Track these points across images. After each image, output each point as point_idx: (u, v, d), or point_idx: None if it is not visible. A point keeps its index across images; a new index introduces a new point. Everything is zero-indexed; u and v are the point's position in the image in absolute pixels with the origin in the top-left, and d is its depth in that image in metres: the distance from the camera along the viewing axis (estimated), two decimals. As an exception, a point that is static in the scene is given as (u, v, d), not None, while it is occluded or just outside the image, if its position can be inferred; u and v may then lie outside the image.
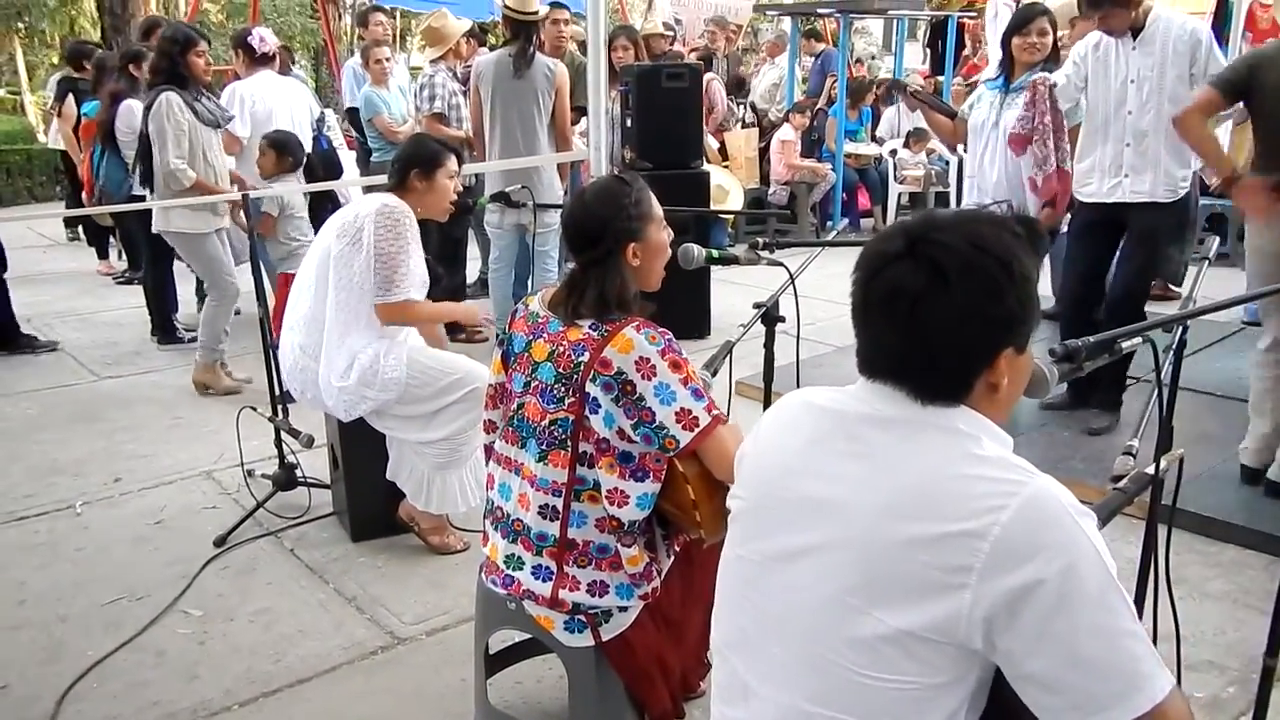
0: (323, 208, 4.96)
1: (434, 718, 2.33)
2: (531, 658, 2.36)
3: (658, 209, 1.97)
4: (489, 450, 2.07)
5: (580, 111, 5.50)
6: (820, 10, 9.86)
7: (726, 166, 7.95)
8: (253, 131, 5.12)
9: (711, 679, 1.39)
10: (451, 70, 5.54)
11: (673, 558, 2.00)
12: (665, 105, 5.30)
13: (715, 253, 2.36)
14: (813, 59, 9.72)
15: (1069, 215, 4.06)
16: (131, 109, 5.16)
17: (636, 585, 1.88)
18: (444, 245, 5.32)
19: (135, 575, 2.97)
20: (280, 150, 4.68)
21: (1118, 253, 3.81)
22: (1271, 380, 3.25)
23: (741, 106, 9.13)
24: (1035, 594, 1.05)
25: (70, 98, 7.27)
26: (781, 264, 2.31)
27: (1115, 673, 1.05)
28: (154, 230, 4.60)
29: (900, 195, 9.15)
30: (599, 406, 1.80)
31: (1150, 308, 3.79)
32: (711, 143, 7.65)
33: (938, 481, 1.12)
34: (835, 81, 8.84)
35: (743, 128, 8.77)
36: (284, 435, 3.35)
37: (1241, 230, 3.90)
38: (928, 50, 10.99)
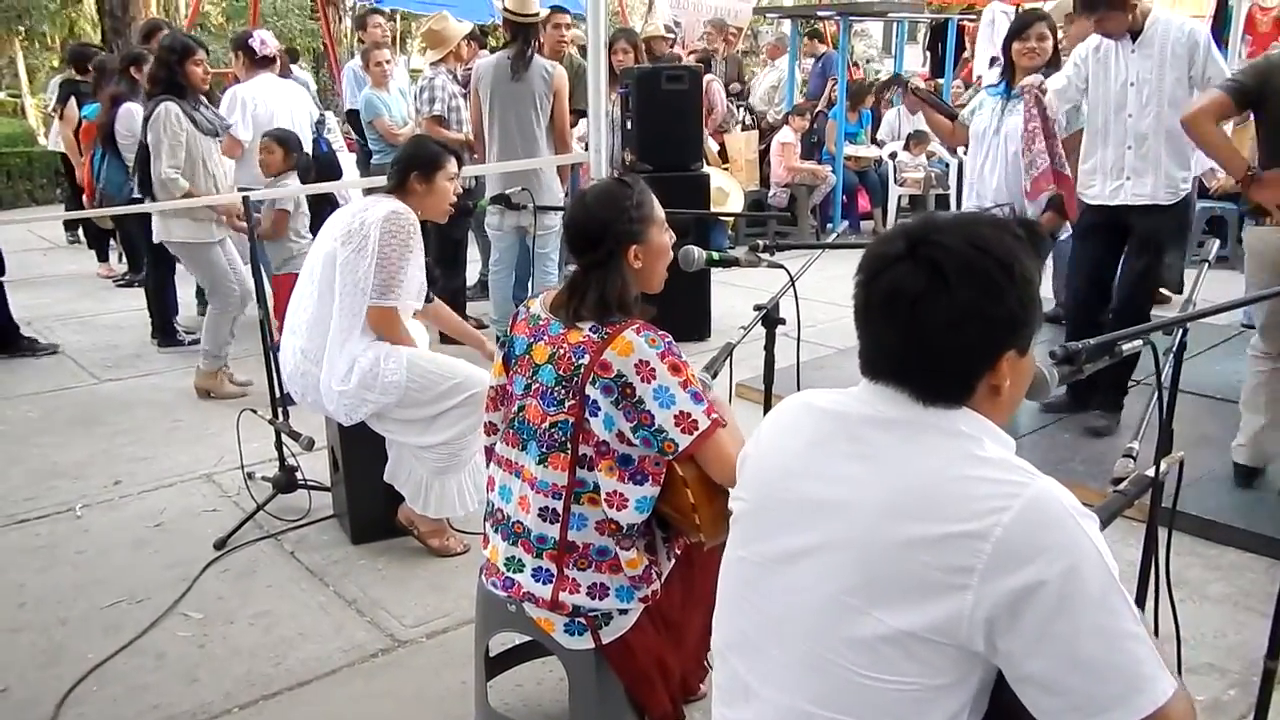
0: (321, 210, 4.96)
1: (434, 720, 2.33)
2: (531, 660, 2.35)
3: (659, 211, 1.97)
4: (490, 452, 2.07)
5: (580, 114, 5.51)
6: (820, 13, 9.88)
7: (726, 169, 7.95)
8: (253, 134, 5.13)
9: (712, 681, 1.39)
10: (452, 73, 5.54)
11: (673, 560, 2.00)
12: (665, 108, 5.30)
13: (716, 255, 2.37)
14: (813, 60, 9.72)
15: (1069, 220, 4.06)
16: (131, 112, 5.17)
17: (636, 588, 1.88)
18: (444, 247, 5.32)
19: (135, 578, 2.97)
20: (286, 147, 4.70)
21: (1122, 255, 3.82)
22: (1264, 375, 3.25)
23: (741, 109, 9.14)
24: (1037, 595, 1.05)
25: (72, 100, 7.27)
26: (782, 266, 2.31)
27: (1116, 674, 1.05)
28: (155, 240, 4.61)
29: (900, 198, 9.16)
30: (599, 409, 1.80)
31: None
32: (711, 145, 7.65)
33: (939, 483, 1.12)
34: (835, 85, 8.85)
35: (742, 130, 8.78)
36: (284, 438, 3.35)
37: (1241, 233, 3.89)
38: (927, 53, 11.02)
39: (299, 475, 3.41)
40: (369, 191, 3.73)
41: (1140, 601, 1.77)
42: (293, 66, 9.23)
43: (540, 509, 1.88)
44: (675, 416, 1.78)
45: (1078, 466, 3.53)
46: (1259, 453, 3.30)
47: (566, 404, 1.84)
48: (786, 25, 10.10)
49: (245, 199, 3.62)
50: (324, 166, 5.50)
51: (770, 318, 2.31)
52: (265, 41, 5.28)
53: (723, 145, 8.32)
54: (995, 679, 1.16)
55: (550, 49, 5.62)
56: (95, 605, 2.82)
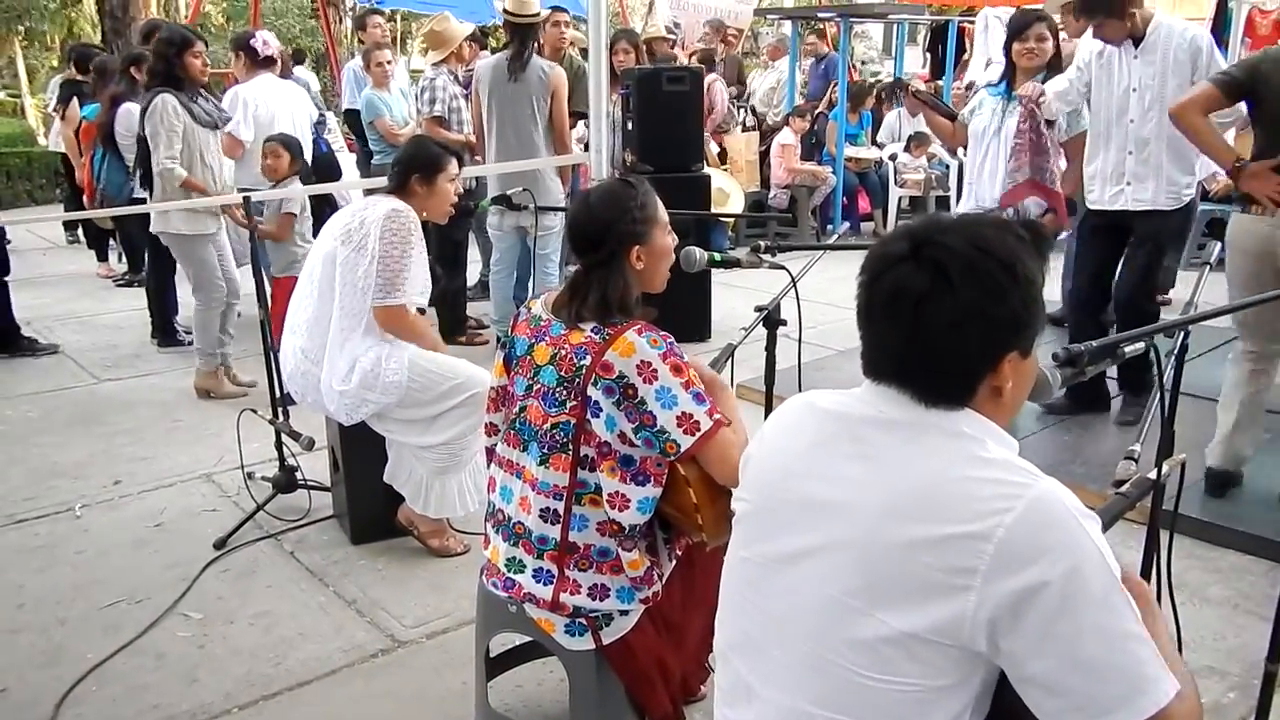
0: (320, 211, 4.96)
1: (434, 721, 2.33)
2: (532, 661, 2.35)
3: (663, 212, 1.97)
4: (491, 453, 2.06)
5: (580, 116, 5.51)
6: (821, 14, 9.88)
7: (726, 170, 7.96)
8: (255, 135, 5.13)
9: (714, 681, 1.39)
10: (453, 74, 5.55)
11: (674, 561, 2.00)
12: (666, 108, 5.30)
13: (717, 256, 2.37)
14: (815, 61, 9.71)
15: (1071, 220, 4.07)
16: (130, 112, 5.17)
17: (637, 589, 1.88)
18: (445, 248, 5.33)
19: (135, 578, 2.97)
20: (292, 152, 4.71)
21: (1122, 258, 3.82)
22: (1242, 375, 3.22)
23: (742, 110, 9.14)
24: (1039, 596, 1.05)
25: (74, 101, 7.27)
26: (783, 267, 2.31)
27: (1118, 675, 1.05)
28: (151, 230, 4.61)
29: (900, 199, 9.17)
30: (600, 410, 1.80)
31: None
32: (711, 146, 7.66)
33: (942, 483, 1.12)
34: (836, 86, 8.86)
35: (743, 131, 8.78)
36: (284, 438, 3.35)
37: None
38: (928, 54, 11.02)
39: (299, 475, 3.41)
40: (369, 192, 3.73)
41: (1141, 603, 1.77)
42: (298, 67, 9.26)
43: (541, 510, 1.88)
44: (677, 417, 1.78)
45: (1077, 468, 3.53)
46: (1231, 455, 3.25)
47: (568, 405, 1.84)
48: (787, 26, 10.11)
49: (246, 199, 3.62)
50: (323, 167, 5.50)
51: (771, 319, 2.31)
52: (267, 42, 5.29)
53: (723, 146, 8.33)
54: (997, 680, 1.16)
55: (550, 48, 5.63)
56: (95, 605, 2.82)
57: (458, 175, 3.03)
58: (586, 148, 4.91)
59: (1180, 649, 1.82)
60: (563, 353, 1.86)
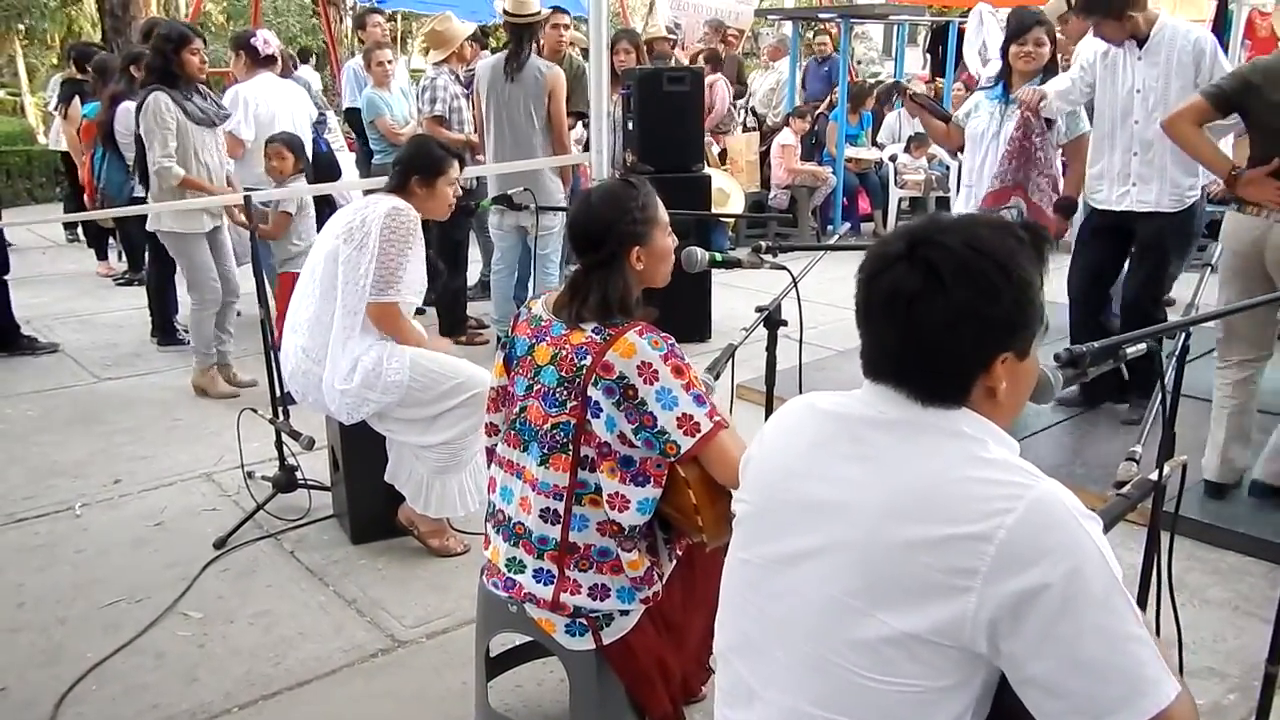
0: (320, 211, 4.96)
1: (434, 721, 2.33)
2: (532, 661, 2.35)
3: (663, 213, 1.97)
4: (491, 453, 2.06)
5: (581, 116, 5.51)
6: (821, 15, 9.88)
7: (726, 170, 7.95)
8: (256, 134, 5.13)
9: (715, 682, 1.39)
10: (454, 73, 5.55)
11: (674, 561, 2.00)
12: (666, 109, 5.30)
13: (718, 256, 2.37)
14: (817, 62, 9.69)
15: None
16: (130, 110, 5.16)
17: (638, 589, 1.88)
18: (445, 248, 5.33)
19: (135, 577, 2.97)
20: (296, 152, 4.70)
21: (1128, 261, 3.82)
22: (1230, 386, 3.22)
23: (744, 111, 9.14)
24: (1040, 597, 1.05)
25: (76, 99, 7.27)
26: (785, 268, 2.31)
27: (1119, 677, 1.05)
28: (148, 228, 4.61)
29: (901, 200, 9.16)
30: (600, 410, 1.80)
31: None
32: (712, 146, 7.66)
33: (942, 484, 1.12)
34: (836, 86, 8.86)
35: (743, 131, 8.78)
36: (284, 437, 3.35)
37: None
38: (928, 55, 11.02)
39: (299, 475, 3.41)
40: (369, 191, 3.73)
41: (1142, 605, 1.77)
42: (303, 66, 9.26)
43: (541, 510, 1.88)
44: (678, 418, 1.78)
45: (1078, 469, 3.53)
46: (1227, 469, 3.25)
47: (568, 405, 1.84)
48: (787, 27, 10.11)
49: (247, 199, 3.62)
50: (323, 167, 5.50)
51: (772, 319, 2.31)
52: (268, 41, 5.28)
53: (723, 147, 8.33)
54: (998, 681, 1.16)
55: (550, 49, 5.63)
56: (94, 604, 2.82)
57: (458, 177, 3.03)
58: (586, 147, 4.91)
59: (1181, 650, 1.82)
60: (563, 353, 1.86)
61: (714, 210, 6.16)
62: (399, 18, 19.28)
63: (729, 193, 7.15)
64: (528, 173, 4.75)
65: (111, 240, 7.71)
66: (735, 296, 5.63)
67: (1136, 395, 3.96)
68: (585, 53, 5.50)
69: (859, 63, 15.66)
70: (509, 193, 3.84)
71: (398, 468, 3.02)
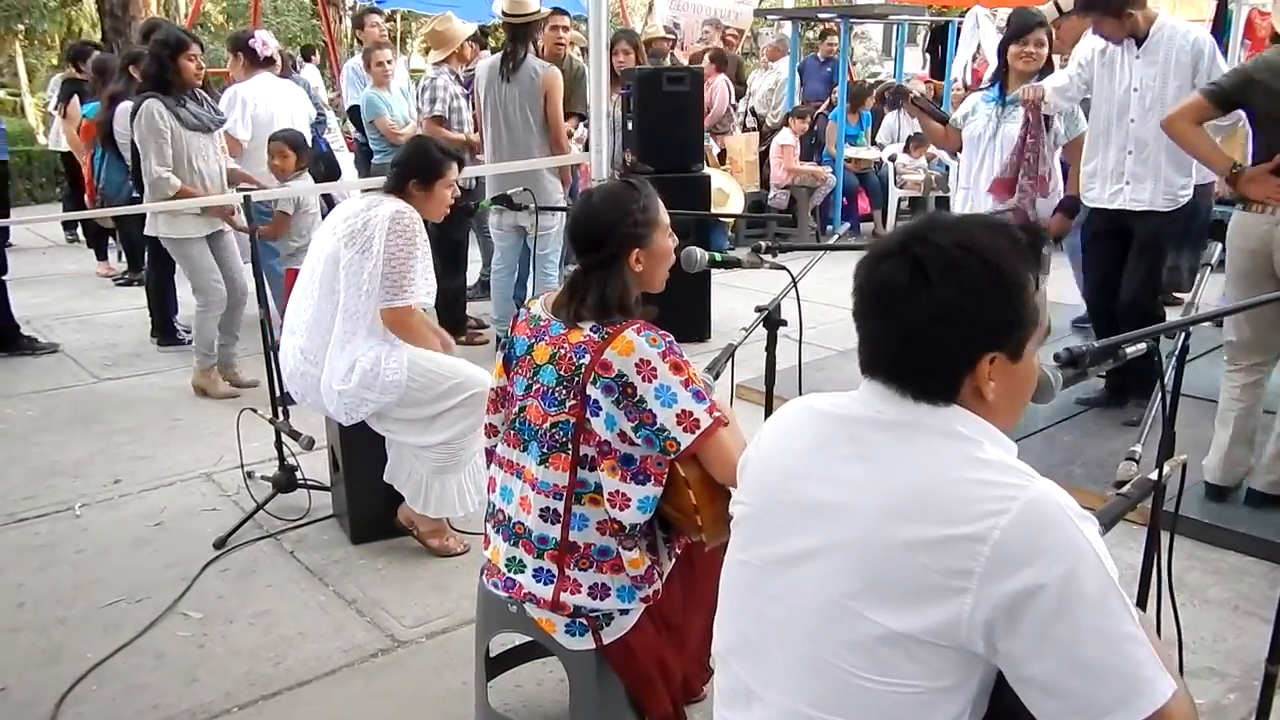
0: (321, 211, 4.97)
1: (434, 721, 2.33)
2: (532, 661, 2.36)
3: (664, 215, 1.97)
4: (491, 454, 2.06)
5: (580, 118, 5.51)
6: (821, 15, 9.87)
7: (726, 170, 7.96)
8: (254, 134, 5.13)
9: (714, 683, 1.39)
10: (454, 73, 5.55)
11: (674, 560, 2.00)
12: (666, 109, 5.31)
13: (718, 256, 2.37)
14: (820, 63, 9.68)
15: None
16: (127, 111, 5.16)
17: (638, 588, 1.88)
18: (445, 248, 5.32)
19: (134, 577, 2.97)
20: (299, 150, 4.70)
21: (1126, 262, 3.83)
22: (1239, 389, 3.21)
23: (746, 113, 9.14)
24: (1036, 598, 1.05)
25: (75, 99, 7.27)
26: (784, 268, 2.31)
27: (1116, 677, 1.05)
28: (145, 233, 4.61)
29: (900, 200, 9.16)
30: (600, 409, 1.80)
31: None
32: (712, 146, 7.65)
33: (939, 484, 1.12)
34: (836, 86, 8.86)
35: (743, 131, 8.78)
36: (284, 437, 3.35)
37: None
38: (928, 55, 11.02)
39: (299, 475, 3.41)
40: (368, 191, 3.73)
41: (1142, 605, 1.77)
42: (307, 65, 9.25)
43: (541, 509, 1.88)
44: (677, 415, 1.78)
45: (1077, 469, 3.53)
46: (1228, 472, 3.24)
47: (567, 404, 1.84)
48: (787, 27, 10.11)
49: (246, 199, 3.62)
50: (323, 166, 5.50)
51: (771, 319, 2.31)
52: (266, 42, 5.28)
53: (723, 147, 8.33)
54: (995, 680, 1.16)
55: (548, 51, 5.63)
56: (94, 604, 2.82)
57: (457, 178, 3.02)
58: (586, 147, 4.91)
59: (1181, 650, 1.82)
60: (562, 352, 1.86)
61: (713, 210, 6.16)
62: (398, 18, 19.28)
63: (728, 193, 7.15)
64: (526, 173, 4.76)
65: (111, 240, 7.71)
66: (735, 296, 5.63)
67: (1135, 395, 3.96)
68: (584, 53, 5.50)
69: (855, 63, 15.64)
70: (508, 193, 3.85)
71: (397, 468, 3.02)
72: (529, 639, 2.16)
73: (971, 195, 4.06)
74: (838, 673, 1.15)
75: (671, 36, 8.04)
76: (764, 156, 8.78)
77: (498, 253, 5.26)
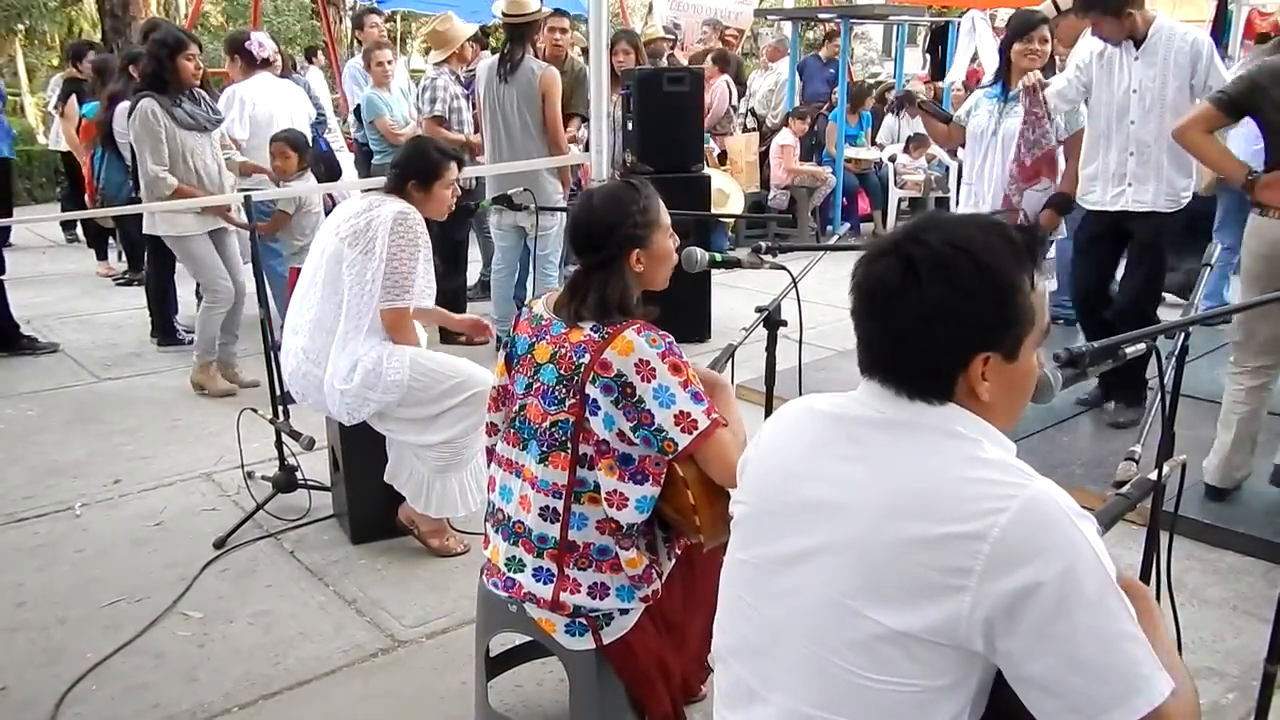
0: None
1: (434, 721, 2.33)
2: (532, 661, 2.36)
3: (665, 216, 1.98)
4: (491, 453, 2.07)
5: (580, 119, 5.51)
6: (821, 15, 9.87)
7: (726, 170, 7.96)
8: (252, 134, 5.13)
9: (714, 683, 1.39)
10: (455, 74, 5.55)
11: (674, 560, 2.00)
12: (666, 109, 5.31)
13: (718, 256, 2.37)
14: (822, 63, 9.69)
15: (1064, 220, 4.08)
16: (126, 111, 5.16)
17: (637, 587, 1.88)
18: (445, 248, 5.32)
19: (134, 577, 2.97)
20: (300, 150, 4.70)
21: (1124, 265, 3.83)
22: (1244, 392, 3.21)
23: (747, 114, 9.14)
24: (1034, 596, 1.05)
25: (73, 98, 7.27)
26: (784, 268, 2.31)
27: (1114, 675, 1.05)
28: (145, 232, 4.61)
29: (900, 200, 9.17)
30: (599, 408, 1.81)
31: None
32: (712, 146, 7.65)
33: (938, 484, 1.12)
34: (836, 87, 8.87)
35: (743, 132, 8.78)
36: (284, 437, 3.35)
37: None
38: (928, 56, 11.01)
39: (299, 475, 3.41)
40: (368, 192, 3.73)
41: (1141, 604, 1.76)
42: (309, 65, 9.25)
43: (541, 508, 1.88)
44: (675, 416, 1.78)
45: (1077, 469, 3.53)
46: (1228, 475, 3.24)
47: (567, 403, 1.84)
48: (787, 28, 10.11)
49: (247, 199, 3.62)
50: (324, 166, 5.50)
51: (772, 319, 2.31)
52: (262, 44, 5.28)
53: (723, 148, 8.33)
54: (994, 680, 1.16)
55: (547, 52, 5.63)
56: (94, 604, 2.82)
57: (457, 178, 3.02)
58: (586, 148, 4.91)
59: (1180, 650, 1.82)
60: (562, 351, 1.86)
61: (714, 211, 6.16)
62: (398, 18, 19.27)
63: (729, 193, 7.15)
64: (526, 173, 4.76)
65: (111, 240, 7.71)
66: (735, 297, 5.63)
67: (1123, 396, 3.95)
68: (585, 53, 5.50)
69: (855, 63, 15.65)
70: (509, 193, 3.85)
71: (398, 468, 3.02)
72: (529, 639, 2.16)
73: (975, 190, 4.07)
74: (838, 672, 1.15)
75: (671, 37, 8.04)
76: (764, 157, 8.79)
77: (498, 253, 5.26)
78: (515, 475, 1.95)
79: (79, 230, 8.48)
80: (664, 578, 1.95)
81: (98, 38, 13.47)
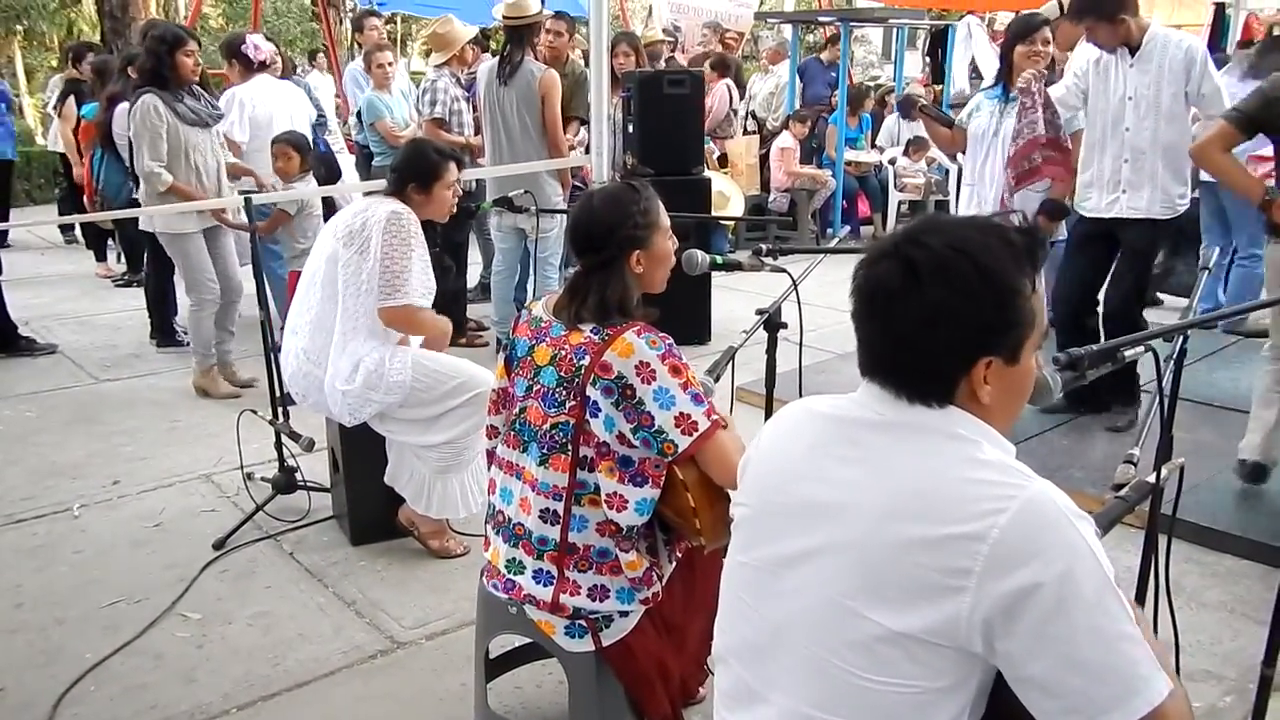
0: (322, 213, 4.97)
1: (433, 722, 2.33)
2: (531, 663, 2.36)
3: (665, 218, 1.98)
4: (491, 455, 2.07)
5: (581, 121, 5.51)
6: (821, 18, 9.88)
7: (726, 173, 7.97)
8: (252, 135, 5.13)
9: (714, 685, 1.39)
10: (455, 76, 5.56)
11: (674, 563, 2.01)
12: (666, 111, 5.32)
13: (719, 259, 2.37)
14: (823, 66, 9.70)
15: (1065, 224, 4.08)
16: (125, 112, 5.16)
17: (637, 590, 1.89)
18: (446, 249, 5.33)
19: (133, 578, 2.97)
20: (302, 152, 4.70)
21: (1112, 269, 3.84)
22: (1276, 374, 3.24)
23: (748, 117, 9.14)
24: (1033, 597, 1.06)
25: (71, 99, 7.27)
26: (785, 270, 2.32)
27: (1113, 676, 1.06)
28: (141, 228, 4.61)
29: (900, 203, 9.18)
30: (599, 410, 1.81)
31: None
32: (712, 149, 7.66)
33: (938, 485, 1.13)
34: (836, 91, 8.88)
35: (743, 135, 8.79)
36: (284, 438, 3.35)
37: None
38: (927, 59, 11.03)
39: (299, 476, 3.41)
40: (370, 194, 3.73)
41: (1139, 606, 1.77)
42: (312, 68, 9.25)
43: (541, 511, 1.88)
44: (675, 418, 1.78)
45: (1075, 472, 3.54)
46: (1268, 451, 3.27)
47: (567, 405, 1.84)
48: (787, 30, 10.12)
49: (247, 200, 3.62)
50: (324, 167, 5.50)
51: (772, 322, 2.31)
52: (258, 47, 5.28)
53: (723, 150, 8.34)
54: (994, 680, 1.16)
55: (548, 54, 5.63)
56: (93, 605, 2.82)
57: (457, 179, 3.03)
58: (587, 150, 4.92)
59: (1178, 653, 1.83)
60: (562, 353, 1.86)
61: (714, 213, 6.17)
62: (397, 20, 19.29)
63: (729, 196, 7.16)
64: (526, 175, 4.76)
65: (110, 241, 7.71)
66: (735, 299, 5.64)
67: (1119, 401, 3.95)
68: (585, 55, 5.50)
69: (854, 66, 15.68)
70: (509, 195, 3.85)
71: (398, 469, 3.03)
72: (528, 640, 2.16)
73: (977, 191, 4.07)
74: (838, 673, 1.16)
75: (672, 39, 8.05)
76: (764, 160, 8.80)
77: (498, 255, 5.27)
78: (516, 477, 1.95)
79: (77, 232, 8.48)
80: (664, 580, 1.95)
81: (97, 39, 13.46)
